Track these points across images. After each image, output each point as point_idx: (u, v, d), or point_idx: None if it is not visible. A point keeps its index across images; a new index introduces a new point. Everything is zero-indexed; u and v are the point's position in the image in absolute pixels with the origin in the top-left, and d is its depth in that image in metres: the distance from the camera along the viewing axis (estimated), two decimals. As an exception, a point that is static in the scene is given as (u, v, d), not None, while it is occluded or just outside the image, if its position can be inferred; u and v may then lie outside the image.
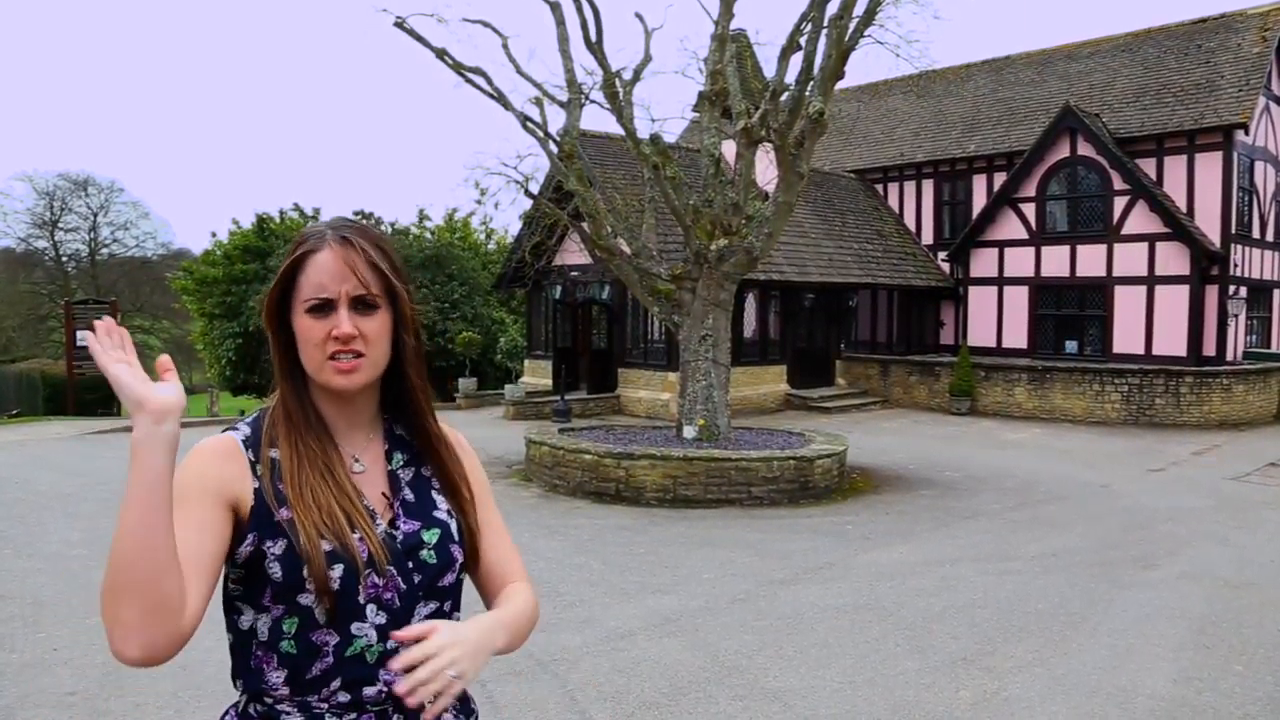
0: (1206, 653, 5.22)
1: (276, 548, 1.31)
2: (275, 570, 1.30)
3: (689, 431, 11.23)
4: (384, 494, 1.42)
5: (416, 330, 1.43)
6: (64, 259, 43.09)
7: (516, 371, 23.26)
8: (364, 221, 1.46)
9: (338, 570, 1.30)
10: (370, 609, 1.33)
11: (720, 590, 6.43)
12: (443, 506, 1.46)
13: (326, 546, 1.30)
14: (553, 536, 8.10)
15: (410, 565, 1.37)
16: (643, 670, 4.88)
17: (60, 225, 41.93)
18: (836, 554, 7.56)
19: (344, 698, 1.32)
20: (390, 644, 1.33)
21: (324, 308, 1.33)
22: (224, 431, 1.39)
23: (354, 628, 1.32)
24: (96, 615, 5.94)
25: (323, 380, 1.35)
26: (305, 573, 1.29)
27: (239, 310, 27.50)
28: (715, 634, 5.48)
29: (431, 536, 1.41)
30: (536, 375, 21.04)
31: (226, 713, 1.40)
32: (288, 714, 1.33)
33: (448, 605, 1.43)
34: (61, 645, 5.16)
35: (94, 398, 20.95)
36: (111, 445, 14.07)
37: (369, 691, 1.33)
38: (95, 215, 42.55)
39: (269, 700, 1.34)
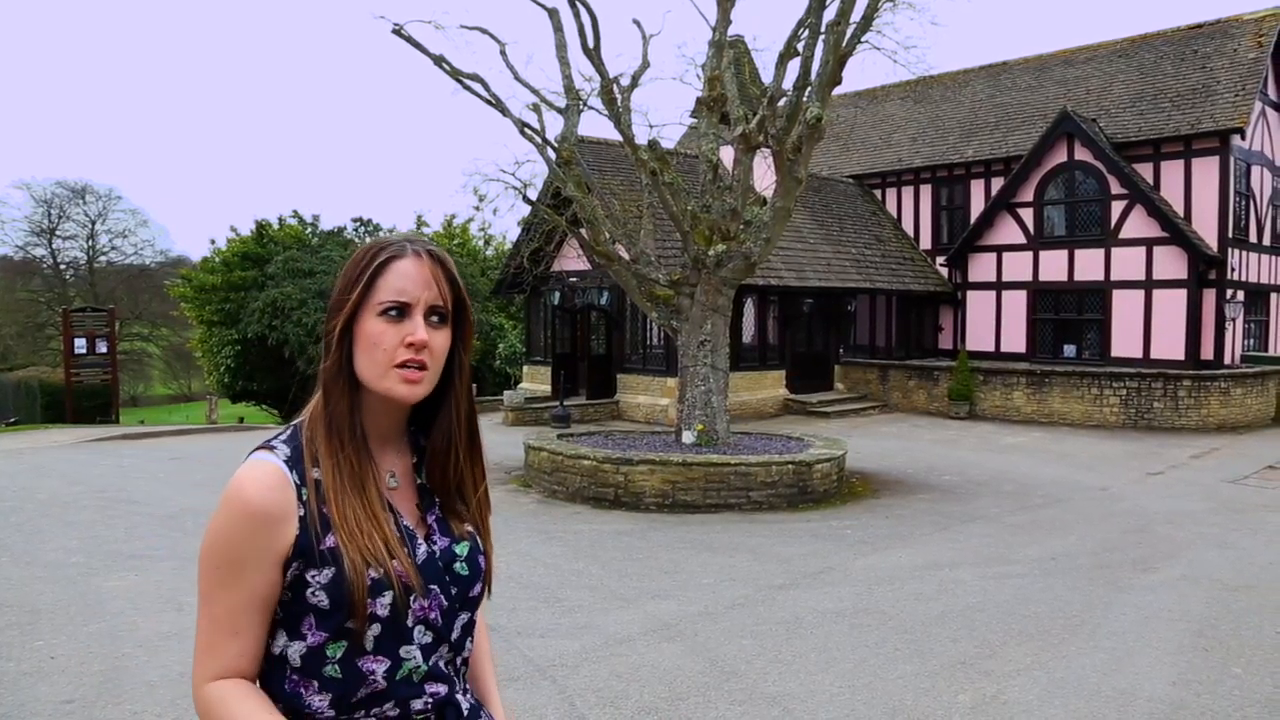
0: (1205, 655, 5.22)
1: (322, 576, 1.28)
2: (320, 599, 1.28)
3: (688, 436, 11.22)
4: (417, 507, 1.42)
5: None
6: (62, 266, 43.14)
7: (516, 377, 23.29)
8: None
9: (386, 597, 1.29)
10: (418, 630, 1.33)
11: (719, 595, 6.42)
12: (468, 519, 1.47)
13: (373, 574, 1.28)
14: (552, 542, 8.09)
15: (448, 579, 1.38)
16: (642, 676, 4.87)
17: (58, 233, 42.00)
18: (835, 558, 7.56)
19: (393, 713, 1.32)
20: (434, 660, 1.34)
21: (401, 313, 1.32)
22: (260, 452, 1.33)
23: (402, 651, 1.31)
24: (94, 623, 5.92)
25: (384, 387, 1.32)
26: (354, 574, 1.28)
27: (238, 317, 27.51)
28: (714, 639, 5.47)
29: (463, 549, 1.41)
30: (536, 381, 21.04)
31: None
32: None
33: (475, 615, 1.44)
34: (59, 653, 5.15)
35: (92, 405, 20.91)
36: (109, 453, 14.06)
37: (416, 705, 1.34)
38: (93, 223, 42.64)
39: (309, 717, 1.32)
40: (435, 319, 1.34)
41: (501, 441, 14.60)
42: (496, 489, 10.77)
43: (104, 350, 21.40)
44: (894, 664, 5.07)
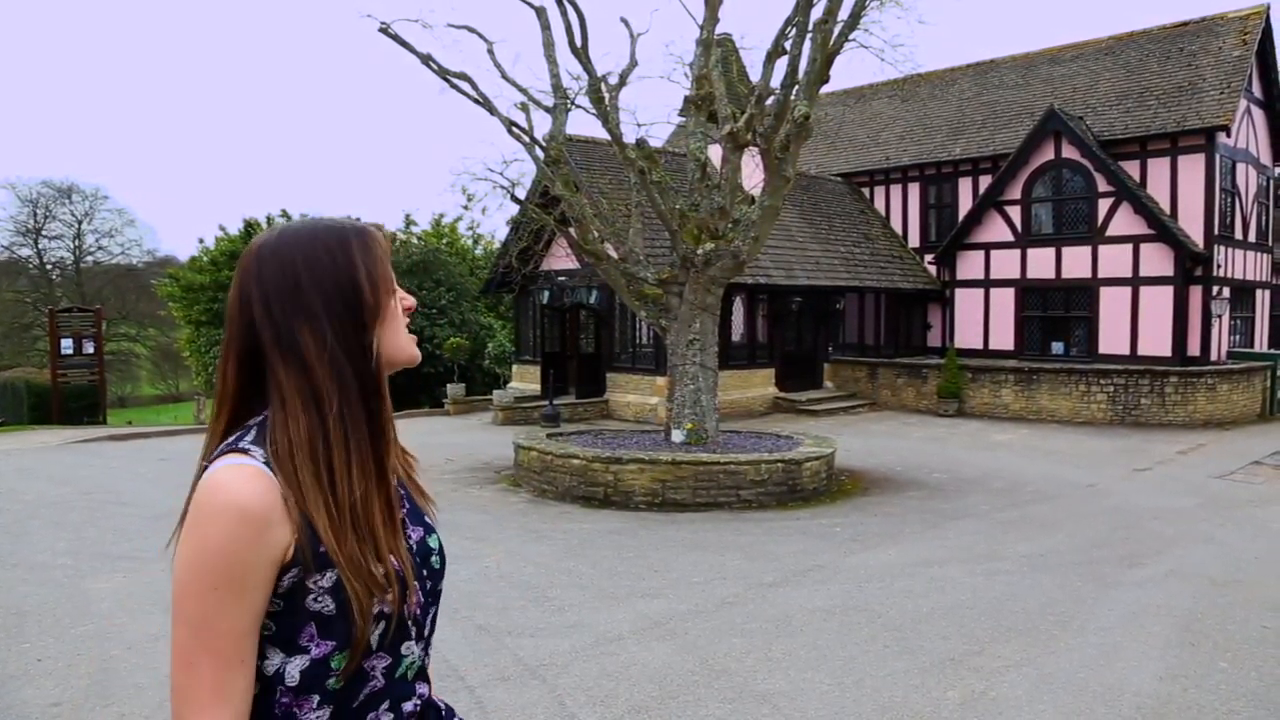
0: (1192, 650, 5.25)
1: (325, 580, 1.17)
2: (325, 604, 1.17)
3: (677, 435, 11.23)
4: None
5: None
6: (48, 267, 42.79)
7: (505, 376, 23.25)
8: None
9: (390, 594, 1.22)
10: (410, 626, 1.28)
11: (709, 593, 6.43)
12: (428, 510, 1.41)
13: (378, 571, 1.20)
14: (541, 541, 8.09)
15: (425, 573, 1.32)
16: (632, 674, 4.87)
17: (44, 233, 41.64)
18: (825, 556, 7.57)
19: (387, 717, 1.26)
20: (421, 657, 1.32)
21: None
22: (233, 455, 1.18)
23: (403, 648, 1.27)
24: (82, 625, 5.88)
25: (410, 355, 1.32)
26: (357, 605, 1.19)
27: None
28: (704, 637, 5.48)
29: (435, 541, 1.37)
30: (525, 380, 21.01)
31: None
32: None
33: (439, 609, 1.39)
34: (46, 656, 5.12)
35: (79, 406, 20.78)
36: (97, 454, 13.97)
37: (407, 706, 1.28)
38: (80, 222, 42.28)
39: None
40: None
41: (491, 441, 14.58)
42: (487, 488, 10.75)
43: (91, 351, 21.26)
44: (884, 661, 5.08)
